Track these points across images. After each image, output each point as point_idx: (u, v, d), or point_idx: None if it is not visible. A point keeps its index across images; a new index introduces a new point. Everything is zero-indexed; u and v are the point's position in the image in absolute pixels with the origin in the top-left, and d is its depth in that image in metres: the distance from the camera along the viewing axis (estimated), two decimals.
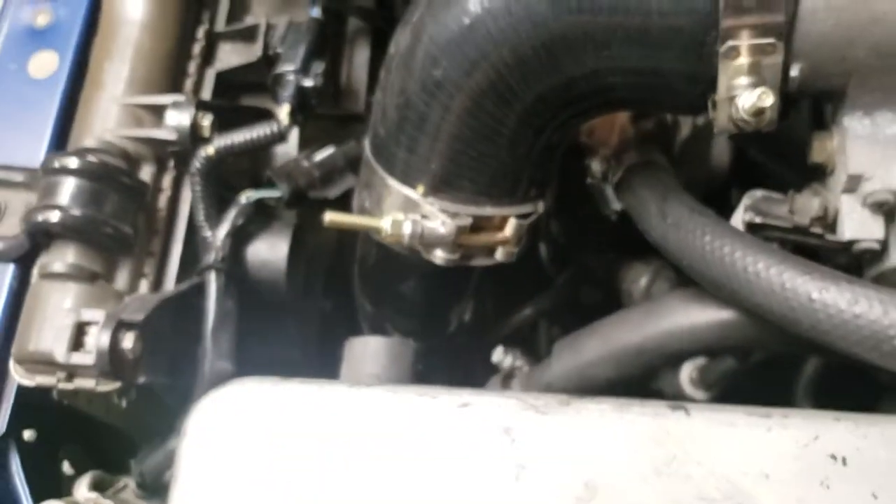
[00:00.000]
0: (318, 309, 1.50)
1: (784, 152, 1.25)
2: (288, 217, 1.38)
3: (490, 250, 1.16)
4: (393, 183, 1.13)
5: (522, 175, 1.12)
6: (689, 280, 1.12)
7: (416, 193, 1.11)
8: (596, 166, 1.27)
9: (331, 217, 1.11)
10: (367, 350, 1.22)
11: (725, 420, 0.93)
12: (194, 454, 0.94)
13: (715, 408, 0.96)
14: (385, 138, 1.12)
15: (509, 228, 1.13)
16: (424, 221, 1.10)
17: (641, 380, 1.21)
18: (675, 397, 1.18)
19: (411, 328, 1.32)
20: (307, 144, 1.42)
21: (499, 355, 1.36)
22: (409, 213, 1.11)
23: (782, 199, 1.07)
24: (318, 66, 1.37)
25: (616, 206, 1.27)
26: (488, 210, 1.12)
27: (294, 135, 1.41)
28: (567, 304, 1.56)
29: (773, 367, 1.28)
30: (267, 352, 1.38)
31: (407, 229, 1.10)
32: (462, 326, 1.37)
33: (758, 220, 1.06)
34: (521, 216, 1.14)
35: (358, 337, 1.26)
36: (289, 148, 1.43)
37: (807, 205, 1.04)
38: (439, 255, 1.13)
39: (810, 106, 1.17)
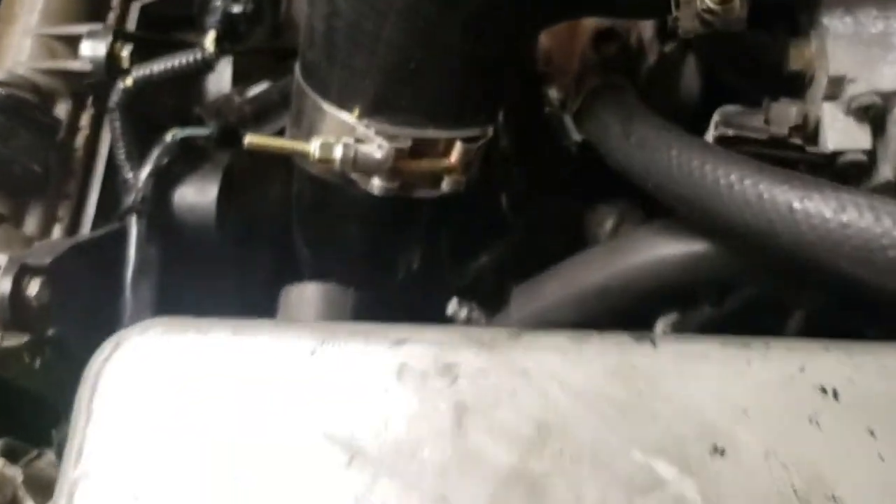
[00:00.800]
0: (262, 259, 1.38)
1: (759, 73, 1.15)
2: (220, 159, 1.26)
3: (435, 179, 1.04)
4: (326, 106, 1.01)
5: (468, 93, 1.01)
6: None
7: (351, 117, 0.99)
8: (554, 94, 1.16)
9: (250, 139, 0.99)
10: (304, 297, 1.11)
11: (698, 351, 0.81)
12: (92, 403, 0.82)
13: (686, 338, 0.86)
14: (315, 58, 1.01)
15: (455, 154, 1.01)
16: (358, 145, 0.98)
17: (608, 326, 1.11)
18: None
19: (354, 275, 1.20)
20: (243, 82, 1.31)
21: (453, 307, 1.24)
22: (342, 137, 0.99)
23: (757, 111, 0.97)
24: None
25: (576, 136, 1.16)
26: (430, 132, 1.00)
27: (227, 71, 1.30)
28: (527, 252, 1.45)
29: (751, 323, 1.18)
30: (202, 304, 1.26)
31: (338, 153, 0.98)
32: (411, 275, 1.26)
33: (730, 132, 0.95)
34: (468, 139, 1.02)
35: (294, 284, 1.14)
36: (223, 86, 1.31)
37: (784, 113, 0.93)
38: (377, 185, 1.01)
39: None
